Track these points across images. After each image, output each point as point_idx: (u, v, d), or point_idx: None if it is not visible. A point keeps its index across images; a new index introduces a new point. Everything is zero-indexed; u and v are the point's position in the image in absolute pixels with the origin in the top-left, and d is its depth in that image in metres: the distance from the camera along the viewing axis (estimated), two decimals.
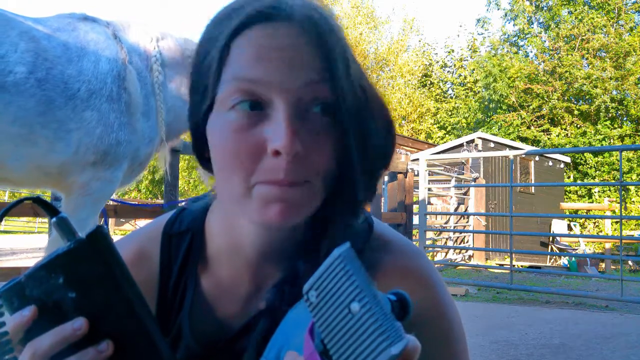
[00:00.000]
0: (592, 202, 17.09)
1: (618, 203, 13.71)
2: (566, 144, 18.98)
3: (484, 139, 12.75)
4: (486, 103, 21.71)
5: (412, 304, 0.42)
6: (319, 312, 0.39)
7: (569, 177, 17.98)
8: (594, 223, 15.43)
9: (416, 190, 6.91)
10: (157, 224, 0.76)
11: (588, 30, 20.13)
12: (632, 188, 16.82)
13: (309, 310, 0.41)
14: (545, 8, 22.36)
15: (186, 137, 3.07)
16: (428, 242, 9.35)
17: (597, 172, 18.33)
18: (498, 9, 34.35)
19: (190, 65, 0.67)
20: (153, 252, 0.73)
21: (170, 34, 2.52)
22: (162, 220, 0.76)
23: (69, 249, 0.51)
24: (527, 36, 22.91)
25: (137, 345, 0.53)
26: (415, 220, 6.47)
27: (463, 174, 11.30)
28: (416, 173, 6.87)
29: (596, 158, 18.34)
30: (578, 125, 19.99)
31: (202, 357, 0.68)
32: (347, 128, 0.60)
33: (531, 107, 20.49)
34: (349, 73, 0.60)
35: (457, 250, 10.57)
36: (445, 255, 10.27)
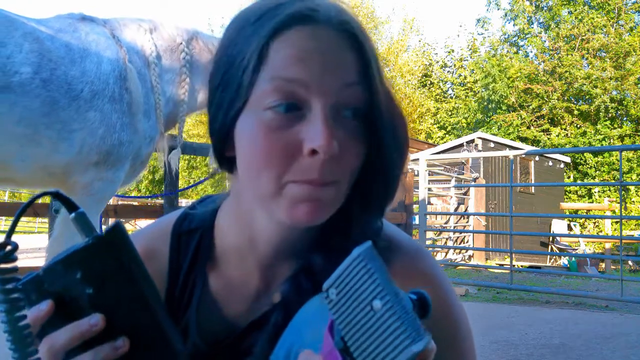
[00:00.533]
0: (592, 202, 17.09)
1: (618, 203, 13.71)
2: (566, 144, 18.99)
3: (484, 139, 12.75)
4: (485, 103, 21.72)
5: (431, 304, 0.43)
6: (339, 309, 0.40)
7: (569, 177, 17.99)
8: (594, 223, 15.43)
9: (416, 190, 6.91)
10: (165, 222, 0.76)
11: (588, 30, 20.14)
12: (632, 188, 16.82)
13: (329, 307, 0.40)
14: (545, 8, 22.36)
15: (187, 136, 3.07)
16: (428, 242, 9.36)
17: (597, 172, 18.33)
18: (498, 9, 34.37)
19: (214, 63, 0.67)
20: (162, 250, 0.73)
21: (161, 22, 2.53)
22: (170, 218, 0.76)
23: (87, 244, 0.51)
24: (527, 36, 22.92)
25: (152, 342, 0.53)
26: (415, 220, 6.47)
27: (463, 174, 11.30)
28: (416, 173, 6.87)
29: (596, 158, 18.34)
30: (578, 125, 20.00)
31: (207, 356, 0.68)
32: (382, 130, 0.62)
33: (531, 107, 20.49)
34: (382, 77, 0.63)
35: (457, 250, 10.58)
36: (445, 255, 10.27)
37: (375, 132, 0.62)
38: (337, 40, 0.61)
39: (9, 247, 0.50)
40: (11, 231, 0.51)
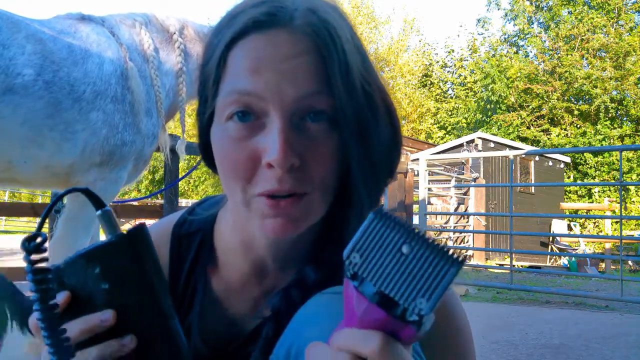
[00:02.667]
0: (592, 202, 17.09)
1: (618, 203, 13.70)
2: (566, 144, 18.99)
3: (484, 139, 12.76)
4: (483, 104, 21.72)
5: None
6: (367, 268, 0.42)
7: (569, 177, 17.99)
8: (594, 223, 15.43)
9: (416, 190, 6.91)
10: (165, 224, 0.76)
11: (588, 30, 20.13)
12: (632, 188, 16.82)
13: (355, 271, 0.42)
14: (545, 8, 22.36)
15: (187, 137, 3.08)
16: None
17: (597, 172, 18.33)
18: (498, 9, 34.34)
19: (198, 69, 0.67)
20: (162, 251, 0.73)
21: (152, 14, 2.55)
22: (170, 220, 0.76)
23: (110, 241, 0.53)
24: (527, 36, 22.92)
25: (159, 343, 0.54)
26: (415, 220, 6.47)
27: (463, 174, 11.30)
28: (416, 173, 6.87)
29: (596, 158, 18.34)
30: (578, 125, 20.00)
31: (209, 359, 0.68)
32: (347, 139, 0.59)
33: (531, 107, 20.49)
34: (349, 81, 0.58)
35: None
36: None
37: (352, 134, 0.59)
38: (296, 45, 0.58)
39: (39, 239, 0.51)
40: (41, 223, 0.53)
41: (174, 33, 2.50)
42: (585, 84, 19.25)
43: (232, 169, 0.60)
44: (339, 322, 0.44)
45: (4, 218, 17.54)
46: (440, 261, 0.39)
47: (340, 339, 0.40)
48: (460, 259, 0.39)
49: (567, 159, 15.51)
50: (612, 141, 18.69)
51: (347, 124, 0.58)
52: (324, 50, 0.58)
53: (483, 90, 21.63)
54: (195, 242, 0.73)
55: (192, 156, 4.23)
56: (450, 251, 0.40)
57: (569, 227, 13.74)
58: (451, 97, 25.42)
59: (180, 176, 3.86)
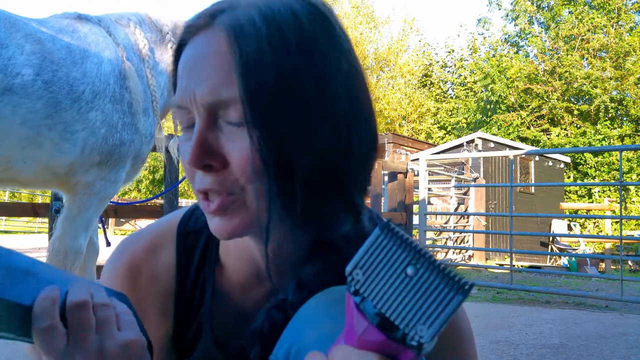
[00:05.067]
0: (592, 202, 17.09)
1: (618, 203, 13.70)
2: (566, 144, 18.99)
3: (484, 139, 12.75)
4: (483, 104, 21.73)
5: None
6: (369, 287, 0.40)
7: (569, 177, 17.99)
8: (594, 223, 15.42)
9: (416, 190, 6.91)
10: (170, 222, 0.75)
11: (588, 30, 20.14)
12: (632, 188, 16.82)
13: (357, 288, 0.41)
14: (546, 8, 22.36)
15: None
16: (428, 242, 9.35)
17: (597, 172, 18.33)
18: (499, 9, 34.30)
19: None
20: (168, 246, 0.72)
21: (146, 14, 2.55)
22: (174, 217, 0.75)
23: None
24: (527, 36, 22.92)
25: None
26: (415, 220, 6.46)
27: (463, 174, 11.30)
28: (416, 173, 6.87)
29: (596, 158, 18.34)
30: (578, 125, 20.00)
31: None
32: (257, 140, 0.55)
33: (531, 107, 20.50)
34: (256, 83, 0.54)
35: (457, 250, 10.57)
36: (445, 255, 10.27)
37: (265, 139, 0.55)
38: (213, 44, 0.57)
39: None
40: None
41: (167, 33, 2.51)
42: (585, 84, 19.25)
43: (185, 171, 0.62)
44: (338, 327, 0.43)
45: (4, 218, 17.55)
46: (445, 287, 0.38)
47: (337, 356, 0.40)
48: (467, 286, 0.37)
49: (567, 159, 15.51)
50: (612, 141, 18.69)
51: (257, 128, 0.55)
52: (234, 50, 0.55)
53: (483, 90, 21.63)
54: (202, 240, 0.72)
55: None
56: (457, 277, 0.38)
57: (569, 227, 13.74)
58: (451, 97, 25.42)
59: (180, 177, 3.85)
